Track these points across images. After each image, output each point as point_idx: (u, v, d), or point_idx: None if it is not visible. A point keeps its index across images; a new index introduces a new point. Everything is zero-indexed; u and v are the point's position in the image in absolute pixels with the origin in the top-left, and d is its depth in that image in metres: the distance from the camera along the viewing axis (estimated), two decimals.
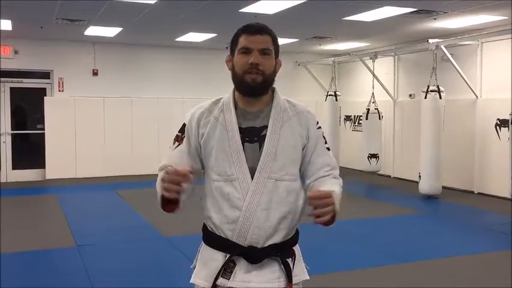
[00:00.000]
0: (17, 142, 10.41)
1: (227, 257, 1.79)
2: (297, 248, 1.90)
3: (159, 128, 10.57)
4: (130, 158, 10.67)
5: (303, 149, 1.88)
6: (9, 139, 10.18)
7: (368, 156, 9.79)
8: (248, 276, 1.79)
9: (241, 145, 1.80)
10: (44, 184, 9.89)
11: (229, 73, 1.88)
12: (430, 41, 8.31)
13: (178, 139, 1.91)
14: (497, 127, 8.20)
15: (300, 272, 1.89)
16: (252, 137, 1.82)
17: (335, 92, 10.91)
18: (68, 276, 4.57)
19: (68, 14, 7.56)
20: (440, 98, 8.03)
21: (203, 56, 11.04)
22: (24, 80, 10.34)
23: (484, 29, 8.27)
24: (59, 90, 10.40)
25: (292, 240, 1.87)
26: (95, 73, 10.61)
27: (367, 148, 9.84)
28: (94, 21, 8.11)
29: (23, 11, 7.31)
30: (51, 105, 10.30)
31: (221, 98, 1.91)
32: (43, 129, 10.27)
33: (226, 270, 1.79)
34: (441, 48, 8.19)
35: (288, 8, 6.98)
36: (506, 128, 7.53)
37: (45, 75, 10.45)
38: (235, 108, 1.86)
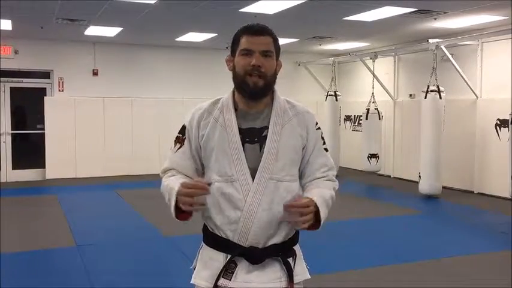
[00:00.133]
0: (17, 142, 10.41)
1: (228, 257, 1.79)
2: (297, 248, 1.91)
3: (159, 128, 10.56)
4: (130, 158, 10.67)
5: (302, 150, 1.89)
6: (9, 139, 10.18)
7: (368, 156, 9.79)
8: (249, 277, 1.79)
9: (242, 146, 1.81)
10: (44, 184, 9.89)
11: (229, 73, 1.88)
12: (430, 41, 8.31)
13: (179, 141, 1.91)
14: (497, 127, 8.20)
15: (301, 271, 1.89)
16: (253, 137, 1.83)
17: (335, 92, 10.91)
18: (68, 276, 4.57)
19: (68, 13, 7.56)
20: (440, 98, 8.03)
21: (203, 56, 11.04)
22: (24, 80, 10.34)
23: (484, 29, 8.27)
24: (59, 90, 10.40)
25: (293, 239, 1.88)
26: (95, 73, 10.61)
27: (367, 148, 9.85)
28: (94, 21, 8.11)
29: (23, 10, 7.31)
30: (51, 105, 10.30)
31: (220, 99, 1.90)
32: (43, 129, 10.28)
33: (227, 271, 1.79)
34: (441, 48, 8.19)
35: (288, 8, 6.98)
36: (506, 128, 7.53)
37: (45, 75, 10.45)
38: (235, 108, 1.85)
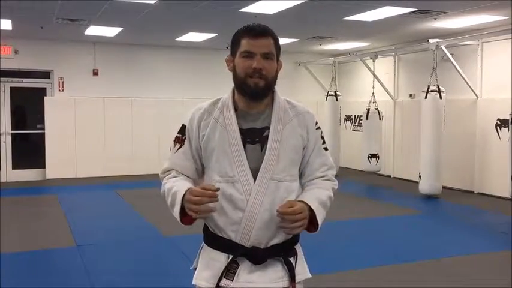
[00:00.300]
0: (17, 142, 10.41)
1: (230, 258, 1.79)
2: (298, 247, 1.91)
3: (159, 128, 10.56)
4: (131, 158, 10.67)
5: (302, 150, 1.89)
6: (9, 139, 10.18)
7: (368, 156, 9.79)
8: (251, 277, 1.79)
9: (243, 146, 1.80)
10: (44, 184, 9.89)
11: (229, 73, 1.88)
12: (431, 41, 8.31)
13: (179, 141, 1.91)
14: (498, 127, 8.20)
15: (302, 270, 1.89)
16: (253, 138, 1.82)
17: (335, 92, 10.92)
18: (68, 276, 4.57)
19: (68, 13, 7.56)
20: (440, 98, 8.03)
21: (203, 56, 11.04)
22: (25, 80, 10.34)
23: (484, 29, 8.26)
24: (59, 90, 10.40)
25: (294, 239, 1.88)
26: (95, 73, 10.61)
27: (367, 148, 9.84)
28: (94, 21, 8.11)
29: (23, 10, 7.31)
30: (51, 105, 10.30)
31: (220, 99, 1.90)
32: (43, 129, 10.28)
33: (229, 271, 1.78)
34: (441, 48, 8.19)
35: (288, 8, 6.98)
36: (507, 128, 7.52)
37: (46, 75, 10.45)
38: (235, 109, 1.85)
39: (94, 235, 5.99)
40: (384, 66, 10.58)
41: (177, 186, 1.80)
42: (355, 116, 11.81)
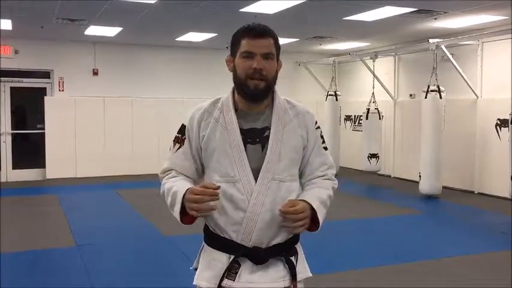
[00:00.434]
0: (17, 142, 10.41)
1: (231, 258, 1.79)
2: (298, 246, 1.91)
3: (159, 128, 10.56)
4: (131, 158, 10.67)
5: (303, 150, 1.90)
6: (9, 139, 10.18)
7: (368, 156, 9.79)
8: (253, 277, 1.79)
9: (243, 146, 1.80)
10: (44, 184, 9.89)
11: (229, 73, 1.88)
12: (431, 40, 8.31)
13: (179, 141, 1.90)
14: (498, 127, 8.19)
15: (303, 269, 1.90)
16: (254, 138, 1.82)
17: (335, 92, 10.92)
18: (68, 276, 4.57)
19: (68, 13, 7.56)
20: (440, 97, 8.03)
21: (203, 56, 11.04)
22: (25, 80, 10.34)
23: (484, 28, 8.26)
24: (59, 90, 10.40)
25: (295, 238, 1.88)
26: (95, 73, 10.61)
27: (367, 148, 9.85)
28: (94, 21, 8.11)
29: (23, 10, 7.31)
30: (51, 105, 10.30)
31: (220, 98, 1.90)
32: (43, 129, 10.28)
33: (231, 272, 1.78)
34: (441, 48, 8.19)
35: (288, 8, 6.98)
36: (507, 128, 7.52)
37: (46, 75, 10.45)
38: (235, 109, 1.85)
39: (94, 235, 5.99)
40: (384, 66, 10.58)
41: (177, 186, 1.80)
42: (355, 116, 11.81)
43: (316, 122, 1.94)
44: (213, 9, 7.09)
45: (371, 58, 10.06)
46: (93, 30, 9.03)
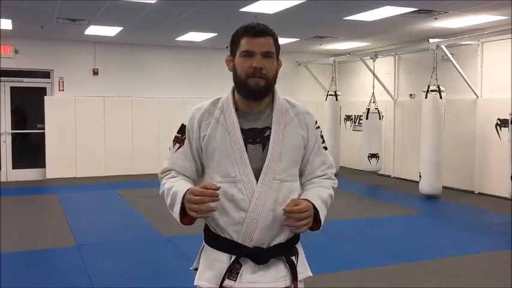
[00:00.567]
0: (17, 141, 10.41)
1: (232, 258, 1.79)
2: (299, 246, 1.91)
3: (159, 128, 10.57)
4: (131, 158, 10.67)
5: (303, 149, 1.90)
6: (9, 138, 10.18)
7: (368, 156, 9.79)
8: (254, 277, 1.79)
9: (244, 146, 1.80)
10: (44, 184, 9.89)
11: (229, 73, 1.88)
12: (431, 40, 8.31)
13: (179, 141, 1.90)
14: (498, 127, 8.19)
15: (303, 269, 1.90)
16: (255, 138, 1.82)
17: (335, 92, 10.92)
18: (68, 276, 4.57)
19: (68, 13, 7.56)
20: (440, 97, 8.03)
21: (203, 56, 11.04)
22: (25, 80, 10.34)
23: (485, 28, 8.26)
24: (59, 90, 10.40)
25: (295, 238, 1.88)
26: (95, 73, 10.62)
27: (367, 148, 9.85)
28: (94, 20, 8.11)
29: (23, 10, 7.31)
30: (51, 105, 10.30)
31: (220, 98, 1.89)
32: (43, 128, 10.28)
33: (232, 272, 1.78)
34: (442, 48, 8.19)
35: (288, 8, 6.97)
36: (507, 128, 7.52)
37: (46, 74, 10.45)
38: (236, 109, 1.85)
39: (94, 235, 5.99)
40: (384, 66, 10.58)
41: (177, 186, 1.80)
42: (355, 115, 11.81)
43: (316, 122, 1.94)
44: (213, 8, 7.09)
45: (371, 58, 10.06)
46: (93, 30, 9.03)
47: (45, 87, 10.43)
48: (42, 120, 10.28)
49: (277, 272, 1.81)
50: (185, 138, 1.88)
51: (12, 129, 10.21)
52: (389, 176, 10.57)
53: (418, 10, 7.13)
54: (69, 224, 6.42)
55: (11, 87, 10.16)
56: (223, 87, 1.94)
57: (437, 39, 8.28)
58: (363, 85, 11.09)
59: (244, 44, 1.79)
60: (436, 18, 7.65)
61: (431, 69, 8.19)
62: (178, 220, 1.78)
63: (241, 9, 7.03)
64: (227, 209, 1.78)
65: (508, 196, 7.22)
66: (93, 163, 10.47)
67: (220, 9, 7.15)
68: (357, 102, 11.33)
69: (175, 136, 1.91)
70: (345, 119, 12.02)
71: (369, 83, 10.23)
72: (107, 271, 4.69)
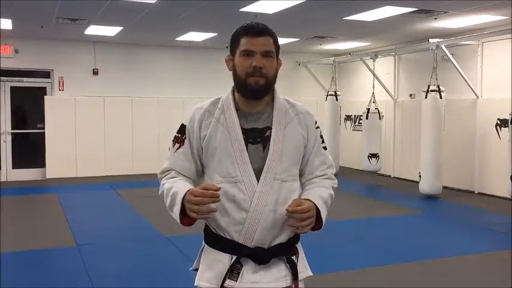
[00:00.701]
0: (17, 141, 10.40)
1: (233, 258, 1.78)
2: (299, 245, 1.91)
3: (160, 128, 10.57)
4: (131, 158, 10.67)
5: (303, 149, 1.90)
6: (9, 138, 10.19)
7: (368, 156, 9.79)
8: (255, 277, 1.78)
9: (245, 146, 1.80)
10: (44, 183, 9.89)
11: (229, 72, 1.88)
12: (431, 40, 8.31)
13: (179, 140, 1.89)
14: (498, 127, 8.19)
15: (304, 269, 1.90)
16: (255, 138, 1.82)
17: (335, 92, 10.92)
18: (68, 275, 4.57)
19: (68, 13, 7.56)
20: (440, 97, 8.03)
21: (203, 56, 11.04)
22: (25, 79, 10.34)
23: (485, 28, 8.26)
24: (59, 90, 10.40)
25: (296, 238, 1.88)
26: (95, 72, 10.62)
27: (367, 148, 9.85)
28: (94, 20, 8.11)
29: (23, 10, 7.31)
30: (51, 105, 10.30)
31: (220, 98, 1.89)
32: (43, 128, 10.27)
33: (233, 272, 1.78)
34: (442, 48, 8.19)
35: (288, 8, 6.97)
36: (507, 128, 7.52)
37: (46, 74, 10.45)
38: (236, 109, 1.85)
39: (94, 235, 5.98)
40: (384, 66, 10.58)
41: (177, 187, 1.79)
42: (355, 115, 11.81)
43: (316, 122, 1.94)
44: (214, 8, 7.09)
45: (371, 58, 10.06)
46: (93, 30, 9.02)
47: (45, 87, 10.43)
48: (42, 120, 10.28)
49: (278, 272, 1.81)
50: (185, 138, 1.87)
51: (12, 129, 10.21)
52: (389, 176, 10.57)
53: (418, 10, 7.13)
54: (69, 224, 6.42)
55: (11, 87, 10.16)
56: (223, 87, 1.93)
57: (437, 39, 8.28)
58: (363, 85, 11.09)
59: (244, 43, 1.79)
60: (436, 18, 7.65)
61: (431, 69, 8.19)
62: (178, 221, 1.78)
63: (241, 9, 7.03)
64: (228, 209, 1.78)
65: (508, 196, 7.22)
66: (93, 163, 10.47)
67: (220, 9, 7.15)
68: (357, 102, 11.33)
69: (175, 136, 1.90)
70: (345, 119, 12.02)
71: (369, 83, 10.23)
72: (107, 271, 4.69)
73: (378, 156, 9.77)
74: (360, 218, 7.01)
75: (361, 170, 10.29)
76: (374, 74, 10.10)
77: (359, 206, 8.03)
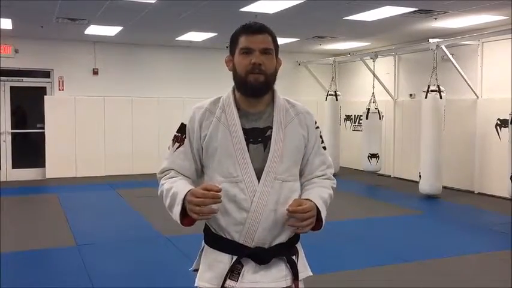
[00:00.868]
0: (17, 141, 10.40)
1: (233, 258, 1.78)
2: (299, 245, 1.91)
3: (159, 128, 10.57)
4: (131, 158, 10.67)
5: (304, 149, 1.90)
6: (9, 138, 10.19)
7: (368, 156, 9.79)
8: (256, 277, 1.78)
9: (246, 146, 1.79)
10: (44, 183, 9.89)
11: (229, 72, 1.87)
12: (431, 40, 8.31)
13: (179, 140, 1.88)
14: (498, 127, 8.19)
15: (304, 269, 1.90)
16: (256, 137, 1.82)
17: (335, 92, 10.92)
18: (68, 275, 4.57)
19: (68, 13, 7.56)
20: (440, 97, 8.03)
21: (203, 56, 11.04)
22: (25, 79, 10.34)
23: (485, 28, 8.26)
24: (59, 90, 10.40)
25: (296, 238, 1.88)
26: (95, 72, 10.62)
27: (367, 148, 9.84)
28: (94, 20, 8.11)
29: (23, 10, 7.31)
30: (51, 105, 10.30)
31: (220, 98, 1.89)
32: (43, 128, 10.27)
33: (233, 272, 1.77)
34: (442, 48, 8.19)
35: (288, 8, 6.97)
36: (507, 128, 7.52)
37: (46, 74, 10.45)
38: (237, 108, 1.84)
39: (94, 235, 5.98)
40: (384, 66, 10.58)
41: (177, 187, 1.78)
42: (355, 115, 11.81)
43: (315, 122, 1.94)
44: (214, 8, 7.09)
45: (371, 58, 10.06)
46: (93, 30, 9.02)
47: (45, 87, 10.43)
48: (42, 119, 10.28)
49: (279, 272, 1.81)
50: (185, 137, 1.86)
51: (12, 129, 10.21)
52: (389, 176, 10.57)
53: (418, 10, 7.13)
54: (69, 224, 6.42)
55: (11, 87, 10.16)
56: (223, 87, 1.93)
57: (437, 39, 8.28)
58: (363, 85, 11.09)
59: (243, 41, 1.79)
60: (436, 18, 7.65)
61: (431, 69, 8.19)
62: (179, 221, 1.77)
63: (241, 9, 7.02)
64: (228, 210, 1.77)
65: (508, 196, 7.22)
66: (93, 163, 10.47)
67: (220, 9, 7.15)
68: (357, 102, 11.33)
69: (175, 135, 1.89)
70: (344, 119, 12.02)
71: (369, 83, 10.22)
72: (106, 271, 4.69)
73: (378, 156, 9.77)
74: (360, 218, 7.01)
75: (361, 170, 10.29)
76: (374, 74, 10.10)
77: (359, 206, 8.03)
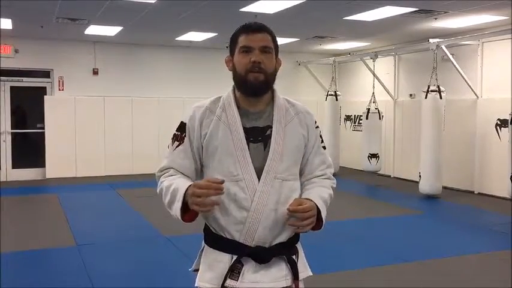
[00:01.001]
0: (17, 141, 10.40)
1: (233, 258, 1.78)
2: (299, 245, 1.91)
3: (159, 128, 10.57)
4: (131, 158, 10.67)
5: (304, 149, 1.90)
6: (9, 138, 10.19)
7: (368, 156, 9.79)
8: (256, 276, 1.78)
9: (247, 145, 1.79)
10: (44, 183, 9.89)
11: (229, 72, 1.88)
12: (431, 40, 8.31)
13: (178, 138, 1.87)
14: (498, 127, 8.19)
15: (304, 268, 1.90)
16: (256, 136, 1.82)
17: (335, 92, 10.92)
18: (68, 275, 4.57)
19: (68, 13, 7.56)
20: (440, 97, 8.03)
21: (203, 56, 11.04)
22: (25, 79, 10.34)
23: (485, 28, 8.26)
24: (59, 90, 10.40)
25: (296, 237, 1.88)
26: (95, 72, 10.62)
27: (367, 148, 9.84)
28: (94, 20, 8.11)
29: (23, 10, 7.31)
30: (51, 104, 10.30)
31: (220, 97, 1.89)
32: (43, 128, 10.27)
33: (234, 272, 1.77)
34: (442, 48, 8.19)
35: (288, 8, 6.97)
36: (507, 128, 7.52)
37: (46, 74, 10.45)
38: (237, 107, 1.84)
39: (94, 235, 5.98)
40: (384, 66, 10.58)
41: (177, 184, 1.77)
42: (355, 115, 11.81)
43: (315, 122, 1.94)
44: (214, 8, 7.09)
45: (371, 58, 10.06)
46: (93, 30, 9.02)
47: (45, 87, 10.43)
48: (42, 119, 10.28)
49: (279, 271, 1.81)
50: (185, 136, 1.86)
51: (12, 129, 10.21)
52: (389, 176, 10.57)
53: (418, 10, 7.13)
54: (69, 224, 6.42)
55: (11, 87, 10.16)
56: (223, 87, 1.93)
57: (438, 39, 8.28)
58: (363, 85, 11.09)
59: (242, 40, 1.80)
60: (436, 18, 7.65)
61: (431, 69, 8.19)
62: (179, 217, 1.74)
63: (241, 9, 7.03)
64: (229, 209, 1.77)
65: (508, 196, 7.21)
66: (93, 163, 10.47)
67: (220, 9, 7.15)
68: (357, 102, 11.33)
69: (175, 134, 1.89)
70: (344, 119, 12.02)
71: (369, 83, 10.23)
72: (106, 271, 4.68)
73: (378, 156, 9.77)
74: (360, 218, 7.01)
75: (361, 170, 10.29)
76: (374, 74, 10.10)
77: (359, 206, 8.03)
